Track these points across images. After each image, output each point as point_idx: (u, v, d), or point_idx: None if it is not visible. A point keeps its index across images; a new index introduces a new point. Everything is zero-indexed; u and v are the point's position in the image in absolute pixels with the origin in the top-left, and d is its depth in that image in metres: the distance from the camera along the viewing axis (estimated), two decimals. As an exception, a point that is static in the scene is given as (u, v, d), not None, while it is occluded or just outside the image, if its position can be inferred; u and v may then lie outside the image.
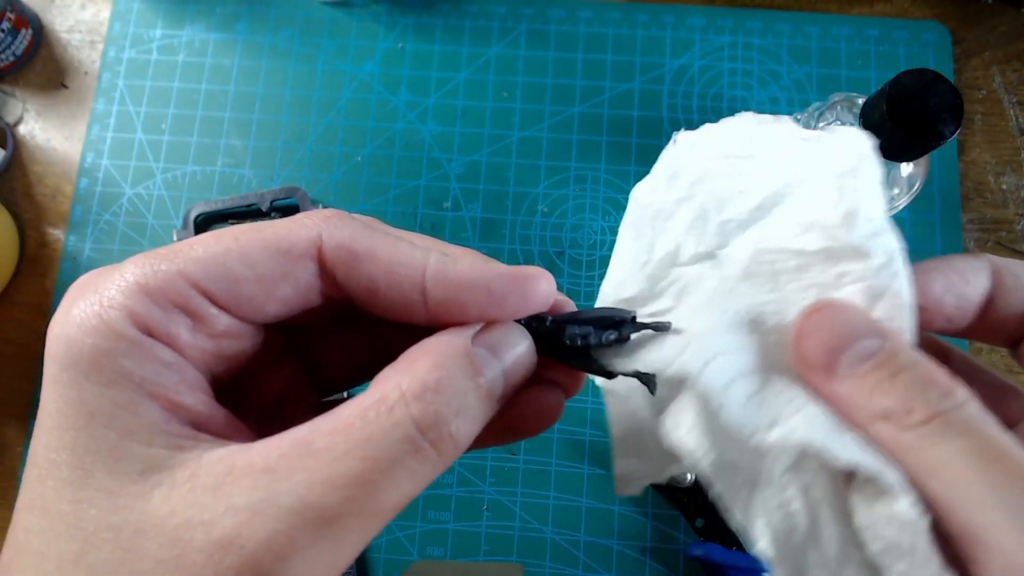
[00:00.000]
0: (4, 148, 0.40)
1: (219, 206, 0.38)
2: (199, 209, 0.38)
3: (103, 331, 0.15)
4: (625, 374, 0.19)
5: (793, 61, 0.41)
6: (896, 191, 0.34)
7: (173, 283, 0.16)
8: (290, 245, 0.17)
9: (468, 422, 0.16)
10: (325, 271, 0.17)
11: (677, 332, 0.19)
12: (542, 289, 0.17)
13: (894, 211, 0.34)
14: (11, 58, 0.40)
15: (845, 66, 0.41)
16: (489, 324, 0.17)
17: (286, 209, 0.38)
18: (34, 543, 0.15)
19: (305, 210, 0.37)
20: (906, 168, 0.34)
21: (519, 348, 0.17)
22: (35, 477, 0.15)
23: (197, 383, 0.16)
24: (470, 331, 0.17)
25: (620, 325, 0.20)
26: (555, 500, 0.36)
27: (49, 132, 0.41)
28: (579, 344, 0.19)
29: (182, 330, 0.16)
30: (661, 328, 0.20)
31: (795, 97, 0.40)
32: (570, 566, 0.35)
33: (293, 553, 0.14)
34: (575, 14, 0.42)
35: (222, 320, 0.17)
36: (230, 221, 0.39)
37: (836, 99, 0.34)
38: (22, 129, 0.41)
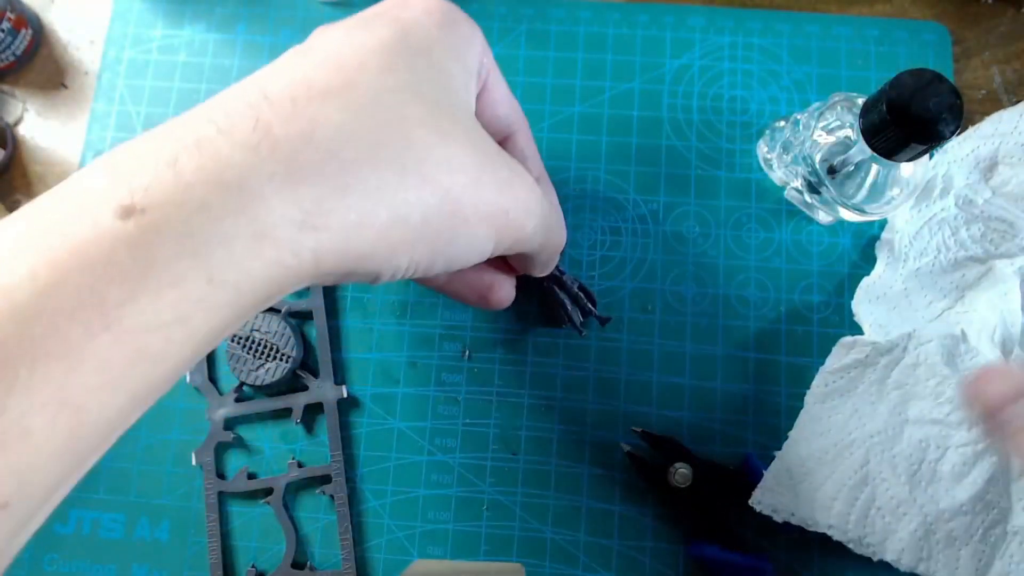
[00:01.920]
0: (4, 148, 0.40)
1: None
2: None
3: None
4: (572, 319, 0.36)
5: (793, 61, 0.41)
6: (896, 191, 0.34)
7: None
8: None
9: (541, 232, 0.27)
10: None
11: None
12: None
13: (894, 211, 0.34)
14: (11, 58, 0.40)
15: (845, 66, 0.41)
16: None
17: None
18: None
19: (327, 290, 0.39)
20: (906, 168, 0.34)
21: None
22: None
23: None
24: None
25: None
26: (555, 500, 0.36)
27: (49, 132, 0.41)
28: (567, 287, 0.36)
29: None
30: (602, 320, 0.38)
31: (795, 97, 0.40)
32: (570, 566, 0.35)
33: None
34: (575, 14, 0.42)
35: None
36: None
37: (836, 99, 0.34)
38: (22, 129, 0.41)
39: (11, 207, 0.39)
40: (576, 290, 0.36)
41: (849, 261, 0.38)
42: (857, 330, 0.37)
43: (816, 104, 0.35)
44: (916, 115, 0.28)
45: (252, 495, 0.36)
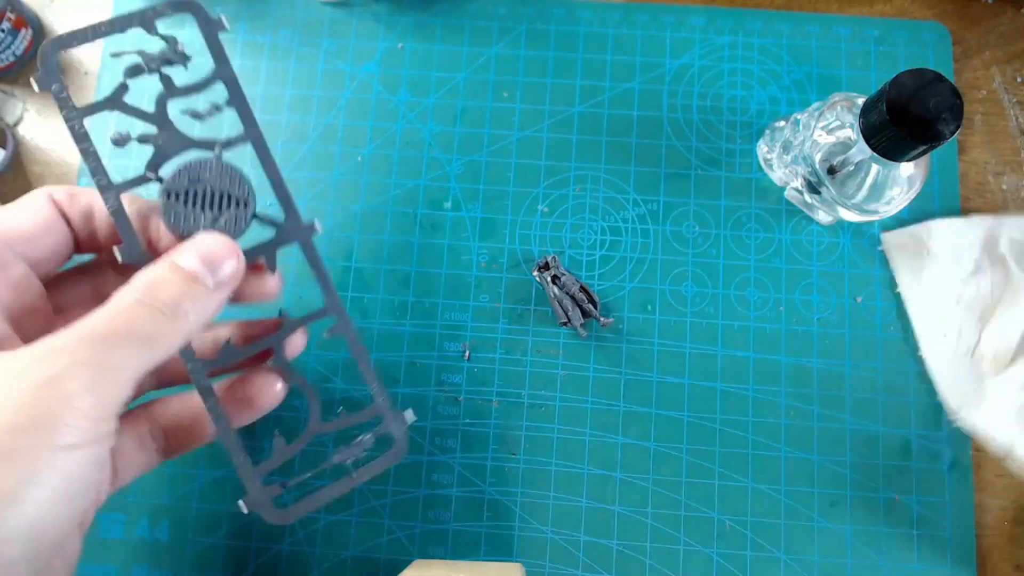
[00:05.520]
0: (4, 148, 0.40)
1: (80, 36, 0.30)
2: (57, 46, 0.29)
3: None
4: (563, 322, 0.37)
5: (793, 61, 0.41)
6: (896, 191, 0.34)
7: None
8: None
9: (193, 304, 0.25)
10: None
11: None
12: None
13: (894, 211, 0.34)
14: (11, 58, 0.40)
15: (845, 66, 0.41)
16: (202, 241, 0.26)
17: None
18: None
19: (208, 30, 0.32)
20: (906, 168, 0.34)
21: (228, 264, 0.26)
22: None
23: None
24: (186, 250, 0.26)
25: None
26: (555, 500, 0.36)
27: (49, 132, 0.41)
28: (567, 288, 0.37)
29: None
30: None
31: (795, 97, 0.40)
32: (570, 566, 0.35)
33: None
34: (575, 14, 0.42)
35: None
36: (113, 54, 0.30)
37: (836, 99, 0.34)
38: (22, 129, 0.41)
39: (11, 207, 0.39)
40: (577, 290, 0.36)
41: (849, 261, 0.38)
42: (861, 334, 0.36)
43: (816, 104, 0.35)
44: (916, 115, 0.28)
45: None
